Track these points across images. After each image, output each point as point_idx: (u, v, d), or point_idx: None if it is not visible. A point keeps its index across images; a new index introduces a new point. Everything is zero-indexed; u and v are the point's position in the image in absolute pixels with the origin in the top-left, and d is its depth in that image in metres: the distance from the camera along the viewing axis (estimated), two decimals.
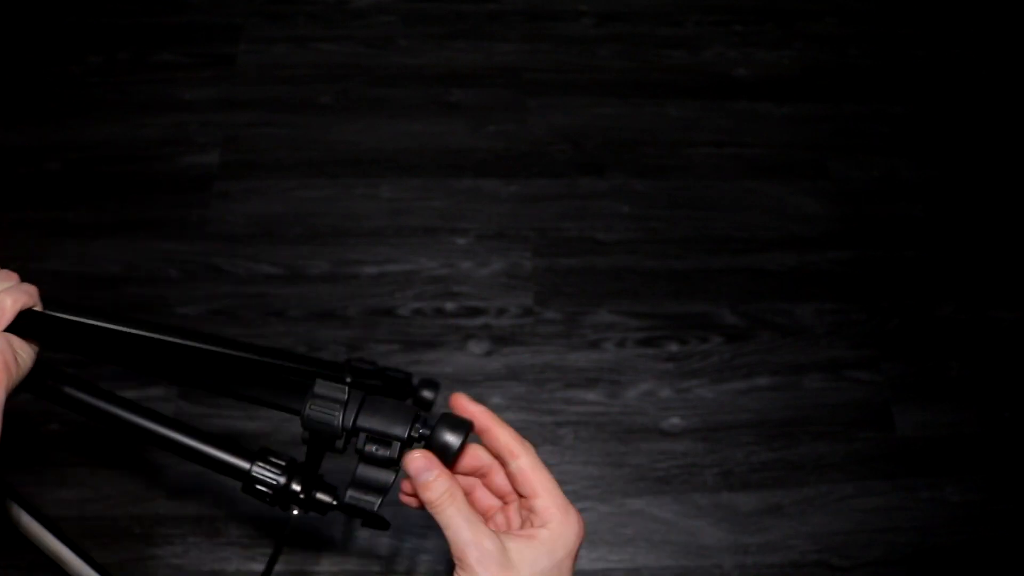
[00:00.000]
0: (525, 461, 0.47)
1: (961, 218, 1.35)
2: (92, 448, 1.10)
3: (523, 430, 0.49)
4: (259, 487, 0.56)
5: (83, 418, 0.60)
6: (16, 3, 1.50)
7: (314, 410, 0.47)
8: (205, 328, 1.10)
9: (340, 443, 0.48)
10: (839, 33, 1.55)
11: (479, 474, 0.50)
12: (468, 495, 0.51)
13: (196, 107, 1.40)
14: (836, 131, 1.43)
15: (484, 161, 1.37)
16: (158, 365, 0.53)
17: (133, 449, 1.10)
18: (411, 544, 1.06)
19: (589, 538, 1.07)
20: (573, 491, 1.10)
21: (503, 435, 0.48)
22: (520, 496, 0.48)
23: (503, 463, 0.48)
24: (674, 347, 1.21)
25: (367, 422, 0.47)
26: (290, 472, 0.56)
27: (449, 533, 0.45)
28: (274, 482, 0.56)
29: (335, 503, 0.55)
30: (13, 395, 0.49)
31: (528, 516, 0.47)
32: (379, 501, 0.47)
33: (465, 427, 0.46)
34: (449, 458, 0.46)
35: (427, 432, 0.46)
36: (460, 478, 0.50)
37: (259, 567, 1.03)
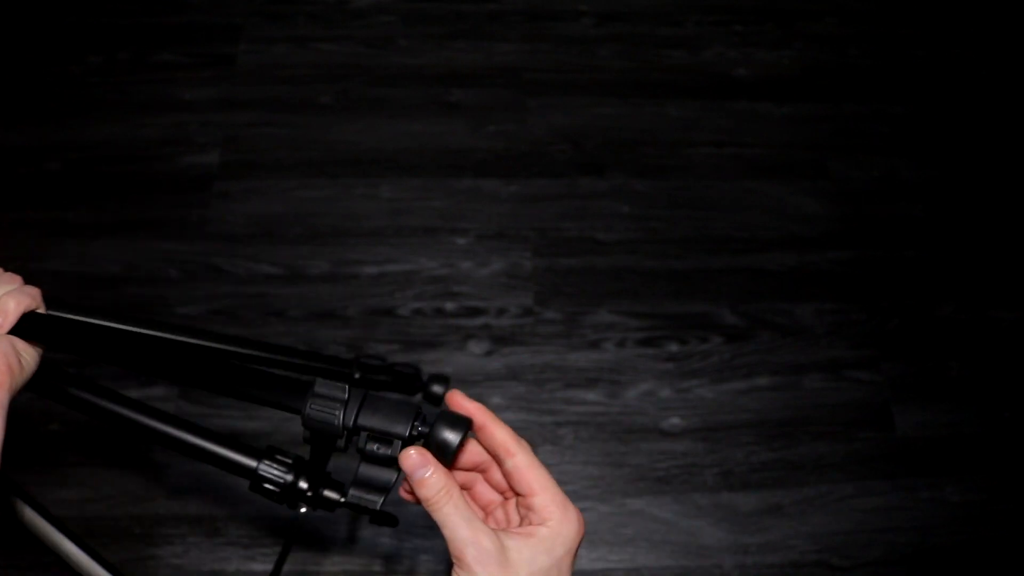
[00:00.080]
0: (521, 459, 0.47)
1: (961, 218, 1.35)
2: (92, 448, 1.10)
3: (523, 430, 0.49)
4: (266, 485, 0.56)
5: (89, 418, 0.60)
6: (16, 3, 1.50)
7: (314, 409, 0.47)
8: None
9: (341, 442, 0.48)
10: (839, 33, 1.55)
11: (480, 470, 0.50)
12: (469, 490, 0.51)
13: (196, 107, 1.40)
14: (836, 131, 1.43)
15: (484, 161, 1.37)
16: (162, 364, 0.53)
17: (133, 449, 1.10)
18: (413, 544, 1.06)
19: (589, 538, 1.07)
20: (573, 491, 1.10)
21: (499, 433, 0.48)
22: (517, 494, 0.48)
23: (499, 461, 0.48)
24: (674, 347, 1.21)
25: (368, 421, 0.47)
26: (297, 470, 0.56)
27: (446, 531, 0.44)
28: (281, 480, 0.56)
29: (343, 500, 0.55)
30: (17, 396, 0.49)
31: (526, 514, 0.47)
32: (381, 500, 0.47)
33: (464, 425, 0.46)
34: (448, 456, 0.46)
35: (426, 430, 0.46)
36: (461, 473, 0.50)
37: (259, 567, 1.03)
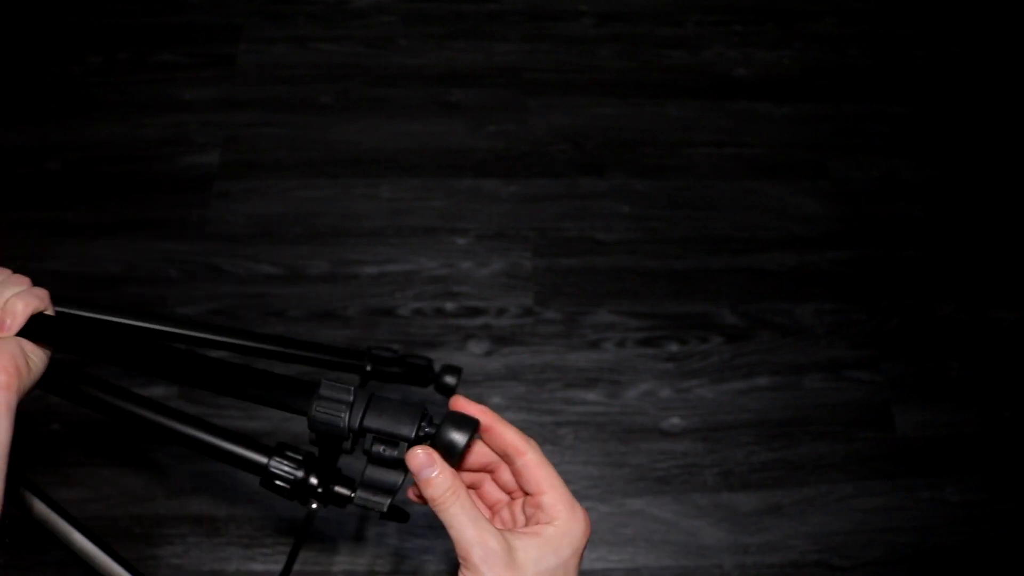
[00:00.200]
0: (531, 457, 0.47)
1: (961, 218, 1.35)
2: (92, 448, 1.10)
3: (523, 430, 0.49)
4: (277, 482, 0.56)
5: (101, 416, 0.60)
6: (16, 3, 1.50)
7: (320, 411, 0.47)
8: None
9: (347, 444, 0.48)
10: (839, 33, 1.55)
11: (487, 470, 0.50)
12: (477, 489, 0.51)
13: (196, 107, 1.40)
14: (836, 131, 1.43)
15: (484, 161, 1.37)
16: (169, 365, 0.53)
17: (134, 449, 1.10)
18: (414, 544, 1.06)
19: (589, 538, 1.06)
20: (573, 491, 1.10)
21: (508, 433, 0.48)
22: (526, 494, 0.48)
23: (509, 461, 0.48)
24: (674, 347, 1.21)
25: (374, 422, 0.46)
26: (308, 466, 0.57)
27: (453, 532, 0.44)
28: (292, 476, 0.56)
29: (353, 495, 0.55)
30: (25, 397, 0.49)
31: (534, 513, 0.47)
32: (388, 502, 0.47)
33: (471, 425, 0.46)
34: (455, 456, 0.46)
35: (432, 431, 0.46)
36: (468, 474, 0.50)
37: (259, 567, 1.03)
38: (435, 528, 1.06)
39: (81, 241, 1.26)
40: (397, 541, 1.06)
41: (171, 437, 0.58)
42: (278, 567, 1.03)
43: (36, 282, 0.55)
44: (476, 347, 1.20)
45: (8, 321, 0.50)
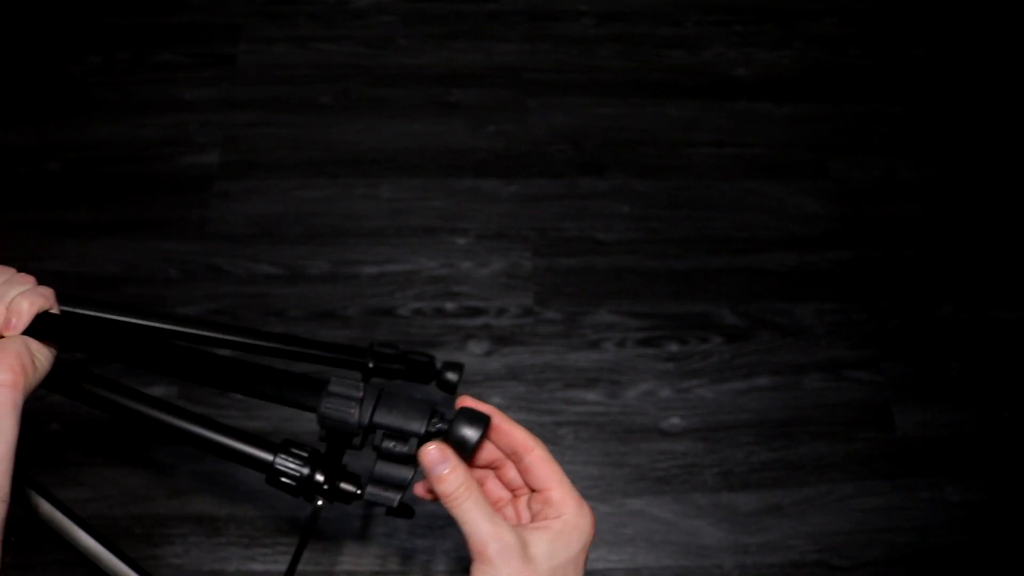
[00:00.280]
0: (540, 454, 0.48)
1: (961, 218, 1.35)
2: (93, 447, 1.10)
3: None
4: (283, 479, 0.56)
5: (107, 415, 0.60)
6: (16, 3, 1.50)
7: (329, 408, 0.46)
8: None
9: (357, 440, 0.48)
10: (839, 33, 1.55)
11: (493, 467, 0.50)
12: (480, 486, 0.51)
13: (196, 107, 1.40)
14: (836, 131, 1.43)
15: (484, 161, 1.37)
16: (175, 362, 0.53)
17: (134, 449, 1.10)
18: (414, 543, 1.06)
19: None
20: None
21: (516, 431, 0.48)
22: (532, 491, 0.48)
23: (516, 458, 0.48)
24: (674, 347, 1.21)
25: (383, 418, 0.46)
26: (313, 463, 0.57)
27: (467, 528, 0.44)
28: (297, 473, 0.56)
29: (359, 492, 0.55)
30: (31, 396, 0.49)
31: (541, 509, 0.47)
32: (398, 498, 0.47)
33: (483, 421, 0.46)
34: (467, 452, 0.46)
35: (444, 427, 0.46)
36: (473, 471, 0.50)
37: (259, 567, 1.03)
38: (435, 528, 1.06)
39: (81, 241, 1.26)
40: (399, 540, 1.06)
41: (177, 435, 0.58)
42: (278, 567, 1.03)
43: (37, 282, 0.55)
44: (476, 347, 1.20)
45: (13, 320, 0.50)
